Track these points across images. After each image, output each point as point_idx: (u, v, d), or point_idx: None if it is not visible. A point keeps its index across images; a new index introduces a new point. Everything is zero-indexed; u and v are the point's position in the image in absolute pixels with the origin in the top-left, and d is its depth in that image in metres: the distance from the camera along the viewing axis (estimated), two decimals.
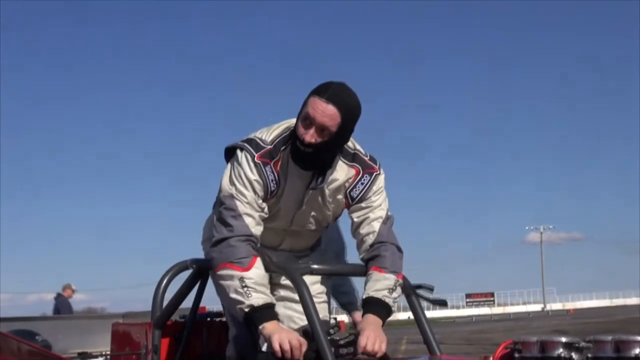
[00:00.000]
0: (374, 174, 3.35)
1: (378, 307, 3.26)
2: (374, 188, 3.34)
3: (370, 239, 3.34)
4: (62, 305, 14.71)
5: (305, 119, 3.14)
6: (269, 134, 3.26)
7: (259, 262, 3.14)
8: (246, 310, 3.06)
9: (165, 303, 3.62)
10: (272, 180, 3.19)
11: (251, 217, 3.17)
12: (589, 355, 3.36)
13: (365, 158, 3.36)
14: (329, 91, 3.13)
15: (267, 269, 3.27)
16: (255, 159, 3.18)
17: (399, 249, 3.38)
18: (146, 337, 3.55)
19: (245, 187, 3.17)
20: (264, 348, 3.09)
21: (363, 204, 3.34)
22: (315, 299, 3.30)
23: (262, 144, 3.22)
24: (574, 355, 3.36)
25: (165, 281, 3.57)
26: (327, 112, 3.11)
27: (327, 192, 3.30)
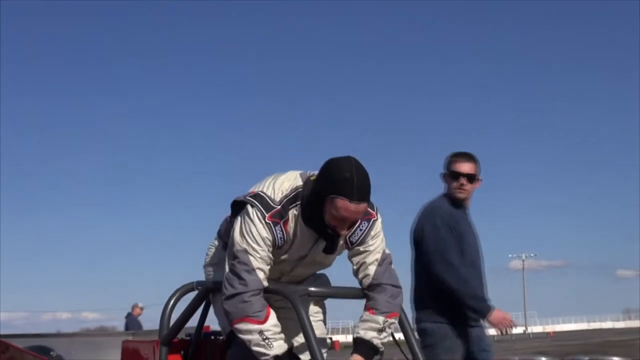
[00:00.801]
0: (372, 220, 3.31)
1: (366, 348, 3.30)
2: (372, 233, 3.32)
3: (366, 282, 3.35)
4: (132, 323, 14.89)
5: (338, 220, 3.11)
6: (276, 193, 3.23)
7: (272, 312, 3.15)
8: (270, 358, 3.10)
9: (172, 322, 3.61)
10: (280, 238, 3.19)
11: (263, 272, 3.17)
12: None
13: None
14: (355, 191, 3.05)
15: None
16: (266, 219, 3.16)
17: (396, 286, 3.38)
18: (154, 354, 3.53)
19: (258, 244, 3.15)
20: None
21: (361, 248, 3.33)
22: (312, 319, 3.34)
23: (271, 203, 3.19)
24: None
25: (172, 302, 3.56)
26: (360, 211, 3.12)
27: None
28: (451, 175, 4.57)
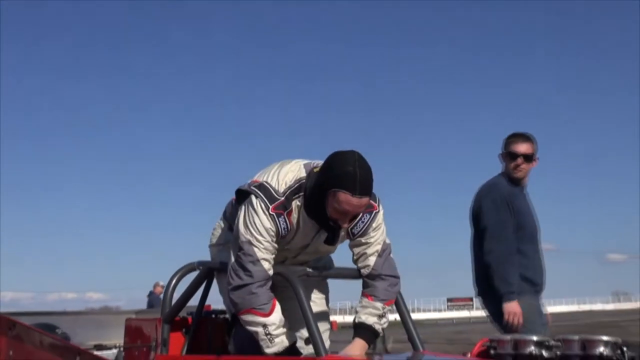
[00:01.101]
0: (374, 212, 3.30)
1: (367, 333, 3.32)
2: (374, 225, 3.31)
3: (366, 272, 3.36)
4: (154, 301, 14.75)
5: (340, 213, 3.09)
6: (280, 184, 3.21)
7: (277, 305, 3.16)
8: (270, 354, 3.12)
9: (174, 301, 3.62)
10: (284, 229, 3.18)
11: (267, 262, 3.16)
12: (558, 352, 3.36)
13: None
14: (358, 186, 3.03)
15: None
16: (270, 210, 3.15)
17: (394, 276, 3.39)
18: (156, 332, 3.54)
19: (262, 235, 3.14)
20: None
21: (362, 240, 3.33)
22: (316, 299, 3.45)
23: (275, 194, 3.18)
24: (544, 352, 3.36)
25: (174, 281, 3.57)
26: (362, 205, 3.10)
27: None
28: (509, 156, 4.62)
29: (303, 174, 3.23)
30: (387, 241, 3.39)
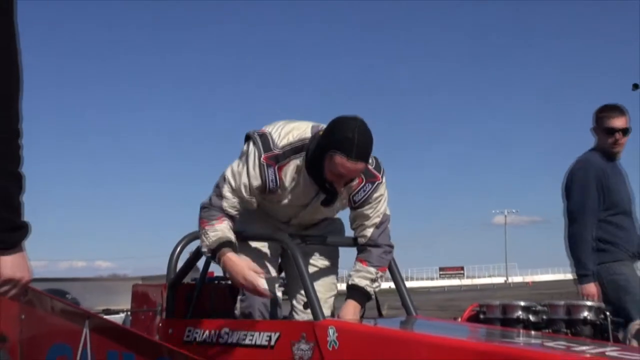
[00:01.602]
0: (376, 182, 3.27)
1: (359, 295, 3.29)
2: (375, 195, 3.27)
3: (362, 241, 3.34)
4: None
5: (335, 175, 3.06)
6: (282, 138, 3.18)
7: (226, 221, 3.17)
8: (208, 254, 3.15)
9: (178, 268, 3.62)
10: (272, 181, 3.15)
11: (229, 202, 3.18)
12: (544, 317, 3.39)
13: (370, 167, 3.25)
14: (355, 150, 2.98)
15: (265, 239, 3.31)
16: (262, 159, 3.13)
17: (389, 245, 3.38)
18: (162, 297, 3.55)
19: (240, 181, 3.16)
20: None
21: (362, 210, 3.29)
22: (323, 268, 3.46)
23: (272, 146, 3.15)
24: (531, 317, 3.38)
25: (178, 249, 3.59)
26: (357, 170, 3.05)
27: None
28: (605, 131, 4.41)
29: (308, 134, 3.19)
30: (387, 212, 3.36)
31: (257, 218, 3.42)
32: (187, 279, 3.64)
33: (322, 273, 3.51)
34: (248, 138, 3.25)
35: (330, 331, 2.80)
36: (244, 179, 3.15)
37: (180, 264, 3.68)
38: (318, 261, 3.53)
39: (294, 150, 3.16)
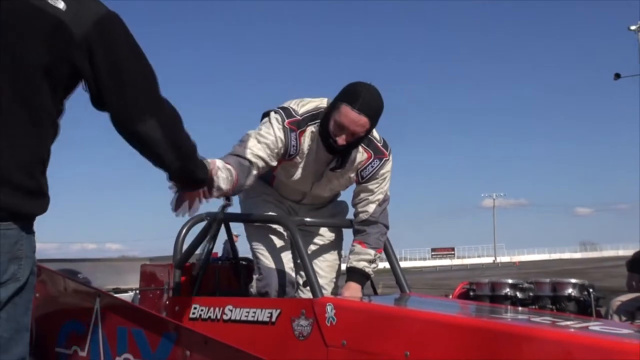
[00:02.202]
0: (384, 159, 3.26)
1: (359, 276, 3.28)
2: (382, 172, 3.27)
3: (363, 217, 3.31)
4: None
5: (338, 126, 3.04)
6: (300, 107, 3.20)
7: (236, 164, 2.94)
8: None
9: (184, 249, 3.62)
10: (293, 146, 3.15)
11: (254, 154, 3.05)
12: (531, 294, 3.40)
13: (379, 144, 3.27)
14: (360, 101, 2.98)
15: (266, 221, 3.33)
16: (285, 123, 3.13)
17: (386, 227, 3.37)
18: (169, 276, 3.56)
19: (267, 136, 3.10)
20: None
21: (368, 185, 3.28)
22: (327, 246, 3.49)
23: (293, 113, 3.16)
24: (518, 294, 3.39)
25: (184, 230, 3.57)
26: (359, 122, 3.02)
27: (347, 170, 3.28)
28: None
29: (324, 104, 3.19)
30: (389, 193, 3.36)
31: (266, 204, 3.44)
32: (192, 259, 3.64)
33: (326, 255, 3.52)
34: (267, 114, 3.24)
35: (329, 308, 2.81)
36: (271, 138, 3.10)
37: (186, 246, 3.67)
38: (322, 243, 3.54)
39: (312, 117, 3.17)
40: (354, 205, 3.36)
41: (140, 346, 3.33)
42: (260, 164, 3.09)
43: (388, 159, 3.29)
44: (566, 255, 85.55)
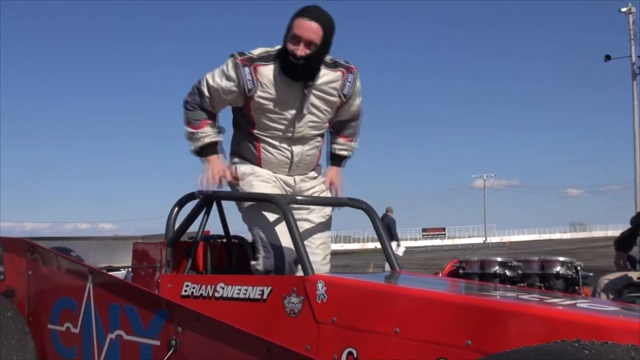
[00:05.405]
0: (355, 71, 3.45)
1: (342, 162, 3.72)
2: (358, 85, 3.48)
3: (343, 117, 3.61)
4: (391, 222, 15.67)
5: (294, 38, 3.23)
6: (256, 50, 3.37)
7: (209, 124, 3.44)
8: (195, 154, 3.46)
9: (176, 227, 3.62)
10: (248, 80, 3.30)
11: (206, 98, 3.39)
12: (519, 272, 3.42)
13: (344, 62, 3.44)
14: (309, 11, 3.22)
15: (257, 199, 3.32)
16: (237, 60, 3.30)
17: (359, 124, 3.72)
18: (161, 254, 3.55)
19: (218, 78, 3.34)
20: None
21: (347, 103, 3.49)
22: (320, 230, 3.55)
23: (247, 53, 3.34)
24: (507, 272, 3.41)
25: (176, 208, 3.57)
26: (312, 28, 3.20)
27: (321, 94, 3.38)
28: None
29: (280, 46, 3.35)
30: (361, 107, 3.64)
31: (260, 184, 3.45)
32: (184, 237, 3.65)
33: (319, 233, 3.54)
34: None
35: (319, 285, 2.82)
36: (221, 80, 3.34)
37: (178, 224, 3.67)
38: (315, 221, 3.55)
39: (270, 56, 3.33)
40: (331, 131, 3.66)
41: (133, 323, 3.35)
42: (217, 108, 3.45)
43: (357, 71, 3.48)
44: (556, 236, 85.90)
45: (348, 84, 3.41)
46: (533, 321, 2.26)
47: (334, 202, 3.55)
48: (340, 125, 3.66)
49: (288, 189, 3.55)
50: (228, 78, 3.32)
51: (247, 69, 3.28)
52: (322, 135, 3.63)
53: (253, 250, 3.46)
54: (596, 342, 1.92)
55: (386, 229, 15.75)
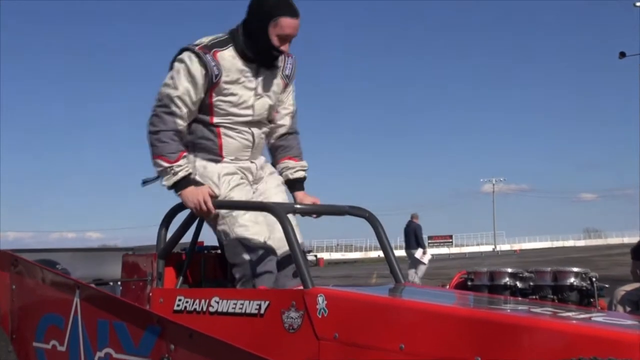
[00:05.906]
0: (294, 57, 3.58)
1: (301, 184, 3.69)
2: (294, 71, 3.58)
3: (282, 130, 3.65)
4: (417, 228, 15.98)
5: (284, 39, 3.32)
6: (203, 39, 3.38)
7: (184, 156, 3.37)
8: (169, 189, 3.38)
9: (167, 238, 3.61)
10: (214, 66, 3.31)
11: (182, 116, 3.34)
12: (531, 283, 3.40)
13: None
14: (292, 7, 3.30)
15: (254, 208, 3.32)
16: (196, 49, 3.31)
17: (298, 134, 3.74)
18: (152, 267, 3.54)
19: (185, 81, 3.32)
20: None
21: (283, 95, 3.58)
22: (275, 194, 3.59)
23: (200, 43, 3.35)
24: (518, 283, 3.40)
25: (168, 218, 3.56)
26: (297, 25, 3.33)
27: (270, 75, 3.48)
28: None
29: (224, 34, 3.41)
30: (295, 105, 3.70)
31: (241, 188, 3.45)
32: (176, 249, 3.64)
33: (279, 195, 3.65)
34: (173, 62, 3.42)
35: (320, 299, 2.81)
36: (187, 81, 3.32)
37: (170, 234, 3.66)
38: (272, 183, 3.67)
39: (222, 42, 3.38)
40: (270, 121, 3.62)
41: (123, 340, 3.33)
42: (189, 118, 3.38)
43: (296, 58, 3.59)
44: (569, 243, 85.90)
45: (289, 65, 3.54)
46: (546, 336, 2.25)
47: (335, 211, 3.54)
48: (282, 146, 3.68)
49: (250, 176, 3.59)
50: (195, 73, 3.31)
51: (208, 55, 3.32)
52: (269, 121, 3.68)
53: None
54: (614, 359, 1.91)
55: (412, 235, 15.97)
